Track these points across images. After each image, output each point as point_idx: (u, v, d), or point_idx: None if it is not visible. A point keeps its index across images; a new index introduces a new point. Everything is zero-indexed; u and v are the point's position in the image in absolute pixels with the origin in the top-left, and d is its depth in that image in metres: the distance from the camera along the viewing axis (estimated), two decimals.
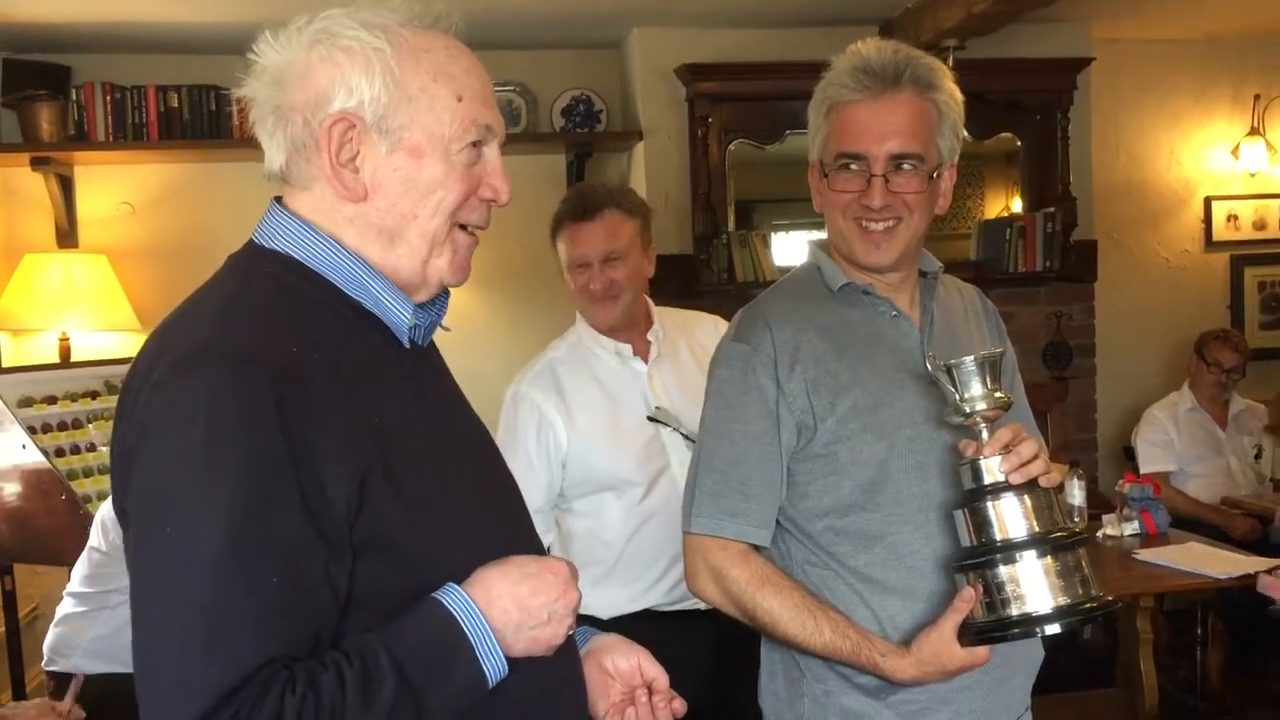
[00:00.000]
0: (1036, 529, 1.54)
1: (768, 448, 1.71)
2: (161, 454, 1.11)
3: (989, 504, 1.55)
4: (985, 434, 1.58)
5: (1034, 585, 1.52)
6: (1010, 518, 1.54)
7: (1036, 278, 4.93)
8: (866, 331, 1.75)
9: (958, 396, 1.57)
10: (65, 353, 4.51)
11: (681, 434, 2.44)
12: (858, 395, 1.70)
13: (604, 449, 2.48)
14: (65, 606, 3.05)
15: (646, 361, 2.55)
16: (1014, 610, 1.53)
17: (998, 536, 1.55)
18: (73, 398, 4.01)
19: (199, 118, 4.62)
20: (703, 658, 2.37)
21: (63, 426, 3.91)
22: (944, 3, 4.31)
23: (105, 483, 3.56)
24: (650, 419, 2.49)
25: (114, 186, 4.79)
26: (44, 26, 4.30)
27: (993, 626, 1.55)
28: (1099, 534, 3.82)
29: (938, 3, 4.36)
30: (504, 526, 1.32)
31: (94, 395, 4.05)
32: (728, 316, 2.09)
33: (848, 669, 1.69)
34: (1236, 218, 5.55)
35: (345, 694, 1.07)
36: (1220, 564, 3.48)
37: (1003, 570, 1.54)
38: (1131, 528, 3.83)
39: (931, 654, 1.60)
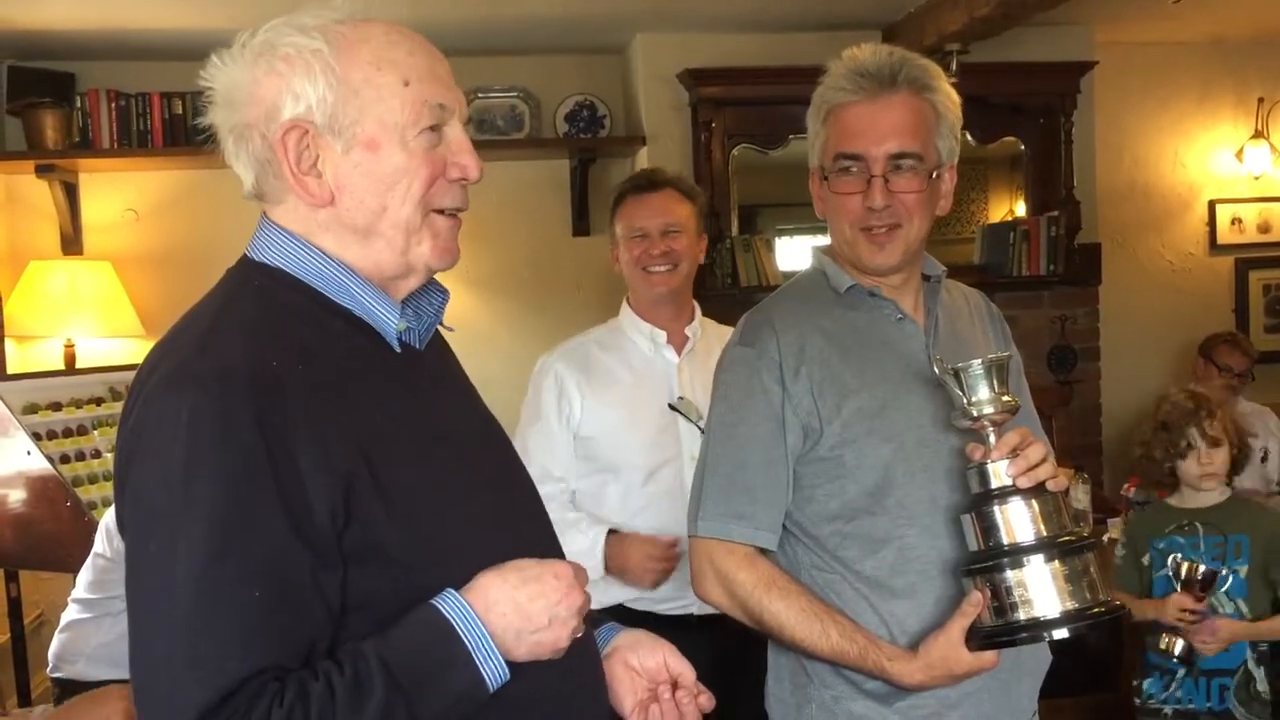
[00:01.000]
0: (1044, 533, 1.54)
1: (773, 451, 1.71)
2: (146, 472, 1.12)
3: (996, 508, 1.55)
4: (993, 438, 1.58)
5: (1042, 590, 1.52)
6: (1018, 522, 1.54)
7: (1040, 281, 4.93)
8: (872, 335, 1.75)
9: (965, 400, 1.57)
10: (70, 359, 4.52)
11: (700, 428, 2.46)
12: (864, 398, 1.70)
13: (616, 429, 2.53)
14: (70, 613, 3.06)
15: (680, 353, 2.60)
16: (1022, 614, 1.53)
17: (1005, 541, 1.54)
18: (78, 404, 4.01)
19: (199, 135, 4.62)
20: (702, 666, 2.37)
21: (68, 433, 3.91)
22: (947, 7, 4.31)
23: (110, 489, 3.56)
24: (671, 407, 2.54)
25: (118, 193, 4.79)
26: (49, 34, 4.31)
27: (1000, 631, 1.55)
28: (1104, 538, 3.81)
29: (940, 7, 4.36)
30: (511, 529, 1.31)
31: (99, 401, 4.05)
32: (731, 321, 2.09)
33: (855, 674, 1.69)
34: (1241, 221, 5.54)
35: (335, 703, 1.07)
36: None
37: (1010, 574, 1.53)
38: None
39: (939, 658, 1.60)
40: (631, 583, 2.47)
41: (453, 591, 1.17)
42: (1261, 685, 2.74)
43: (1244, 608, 2.73)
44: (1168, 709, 2.75)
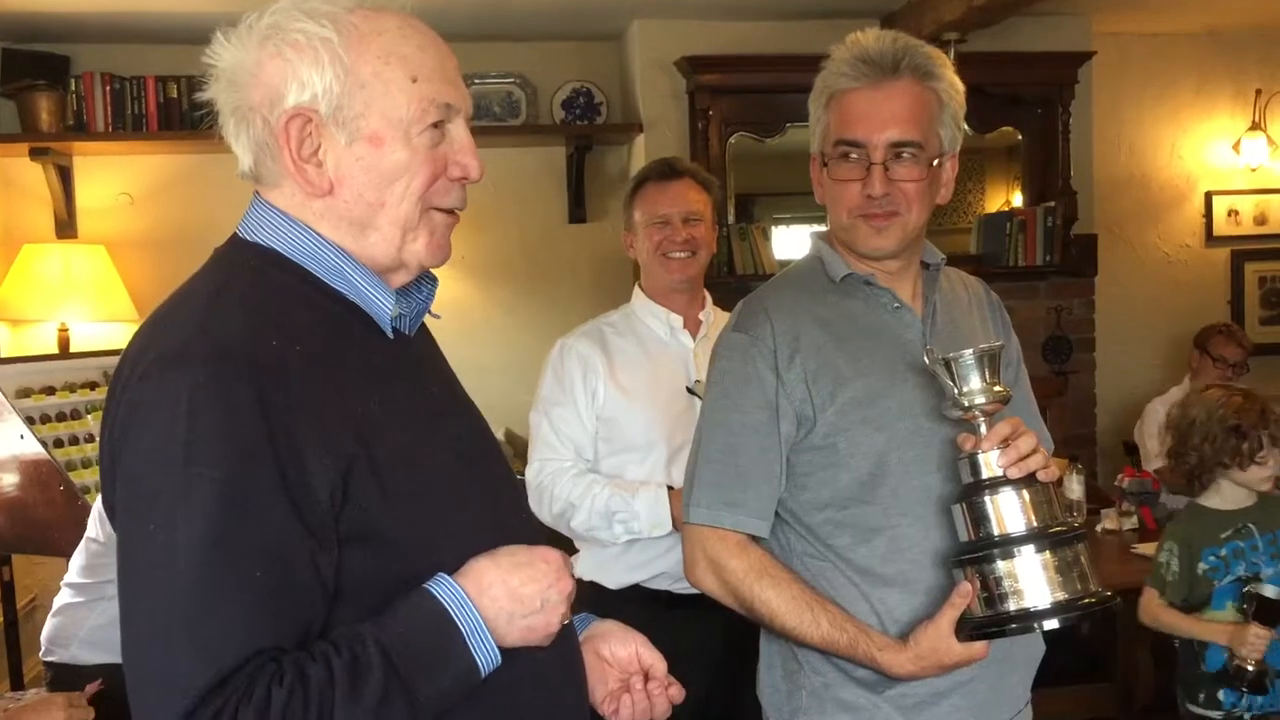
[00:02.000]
0: (1035, 524, 1.53)
1: (766, 438, 1.71)
2: (144, 451, 1.11)
3: (987, 498, 1.55)
4: (984, 428, 1.57)
5: (1032, 580, 1.52)
6: (1008, 512, 1.54)
7: (1037, 272, 4.93)
8: (868, 323, 1.75)
9: (956, 390, 1.57)
10: (64, 343, 4.51)
11: None
12: (858, 387, 1.69)
13: (638, 407, 2.55)
14: (63, 597, 3.05)
15: (695, 338, 2.63)
16: (1012, 605, 1.53)
17: (995, 531, 1.54)
18: (71, 388, 4.00)
19: (197, 113, 4.61)
20: (713, 649, 2.39)
21: (61, 417, 3.91)
22: None
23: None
24: (689, 390, 2.55)
25: (113, 177, 4.78)
26: (43, 16, 4.29)
27: (990, 622, 1.55)
28: (1097, 528, 3.82)
29: None
30: (498, 515, 1.31)
31: (93, 386, 4.05)
32: (727, 309, 2.09)
33: (846, 661, 1.69)
34: (1237, 213, 5.54)
35: (334, 685, 1.07)
36: None
37: (1000, 565, 1.53)
38: (1130, 522, 3.84)
39: (929, 648, 1.60)
40: None
41: (445, 575, 1.17)
42: None
43: None
44: (1247, 716, 2.71)
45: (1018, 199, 5.14)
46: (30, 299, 4.48)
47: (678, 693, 1.40)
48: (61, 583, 3.09)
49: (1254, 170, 5.49)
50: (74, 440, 3.85)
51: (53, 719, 2.03)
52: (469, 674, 1.16)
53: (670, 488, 2.47)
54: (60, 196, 4.64)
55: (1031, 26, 4.75)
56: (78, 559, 3.03)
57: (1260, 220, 5.55)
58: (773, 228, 4.95)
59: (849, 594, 1.69)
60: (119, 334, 4.56)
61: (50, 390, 3.94)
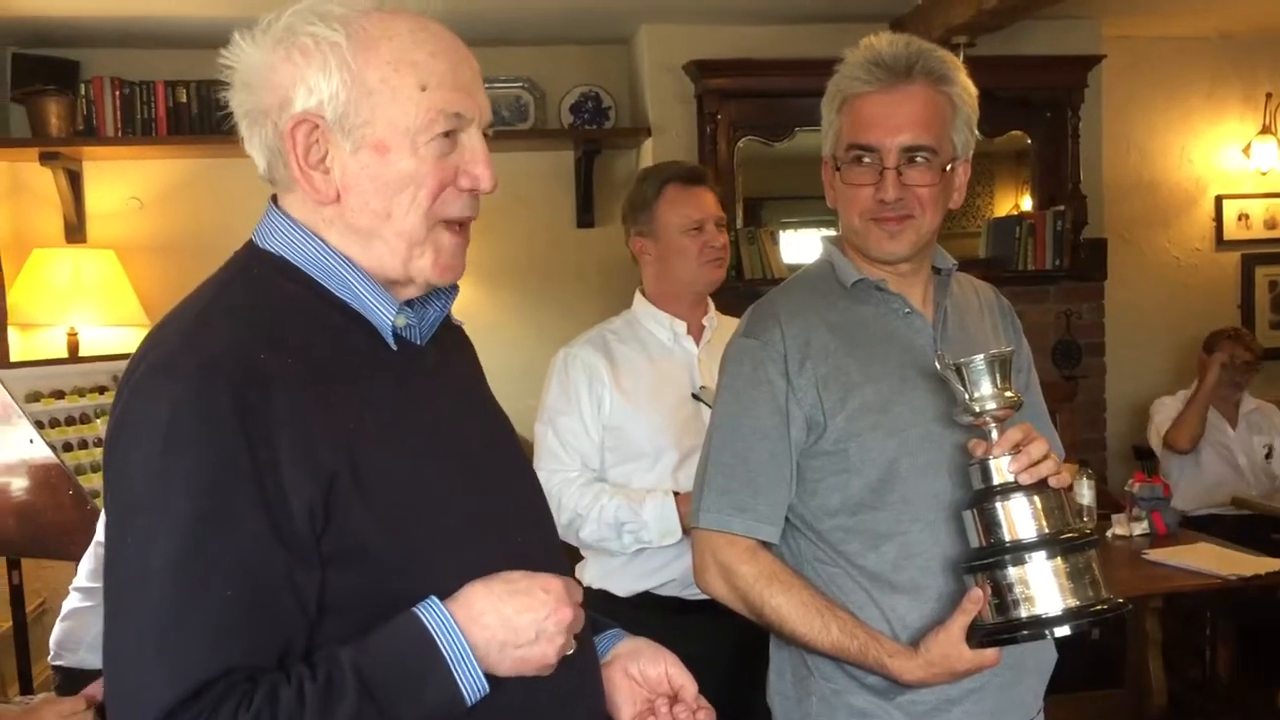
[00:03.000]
0: (1046, 530, 1.53)
1: (777, 444, 1.70)
2: (125, 463, 1.11)
3: (998, 504, 1.54)
4: (995, 433, 1.57)
5: (1044, 587, 1.51)
6: (1020, 518, 1.53)
7: (1046, 276, 4.92)
8: (879, 328, 1.74)
9: (967, 396, 1.56)
10: (73, 348, 4.52)
11: None
12: (868, 392, 1.69)
13: (644, 414, 2.54)
14: (71, 601, 3.05)
15: (698, 343, 2.62)
16: (1023, 612, 1.52)
17: (1007, 537, 1.53)
18: (81, 393, 4.01)
19: (207, 113, 4.62)
20: (723, 655, 2.38)
21: (70, 421, 3.91)
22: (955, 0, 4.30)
23: None
24: (694, 396, 2.54)
25: (122, 181, 4.79)
26: (53, 21, 4.31)
27: (1002, 628, 1.54)
28: (1108, 534, 3.80)
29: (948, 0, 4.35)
30: (505, 537, 1.26)
31: (102, 390, 4.05)
32: (735, 314, 2.08)
33: (857, 668, 1.68)
34: (1248, 217, 5.52)
35: (304, 708, 1.05)
36: (1230, 564, 3.46)
37: (1012, 571, 1.52)
38: (1141, 528, 3.82)
39: (940, 655, 1.59)
40: None
41: (435, 600, 1.14)
42: None
43: None
44: None
45: (1027, 203, 5.12)
46: (40, 303, 4.49)
47: (706, 716, 1.35)
48: (70, 587, 3.09)
49: (1264, 174, 5.47)
50: (83, 444, 3.86)
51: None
52: (452, 703, 1.12)
53: (677, 493, 2.46)
54: (70, 201, 4.65)
55: (1041, 30, 4.73)
56: (86, 563, 3.03)
57: (1271, 224, 5.53)
58: (781, 232, 4.94)
59: (859, 600, 1.68)
60: (128, 338, 4.57)
61: (60, 394, 3.94)
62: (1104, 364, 5.09)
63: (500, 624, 1.14)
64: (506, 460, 1.36)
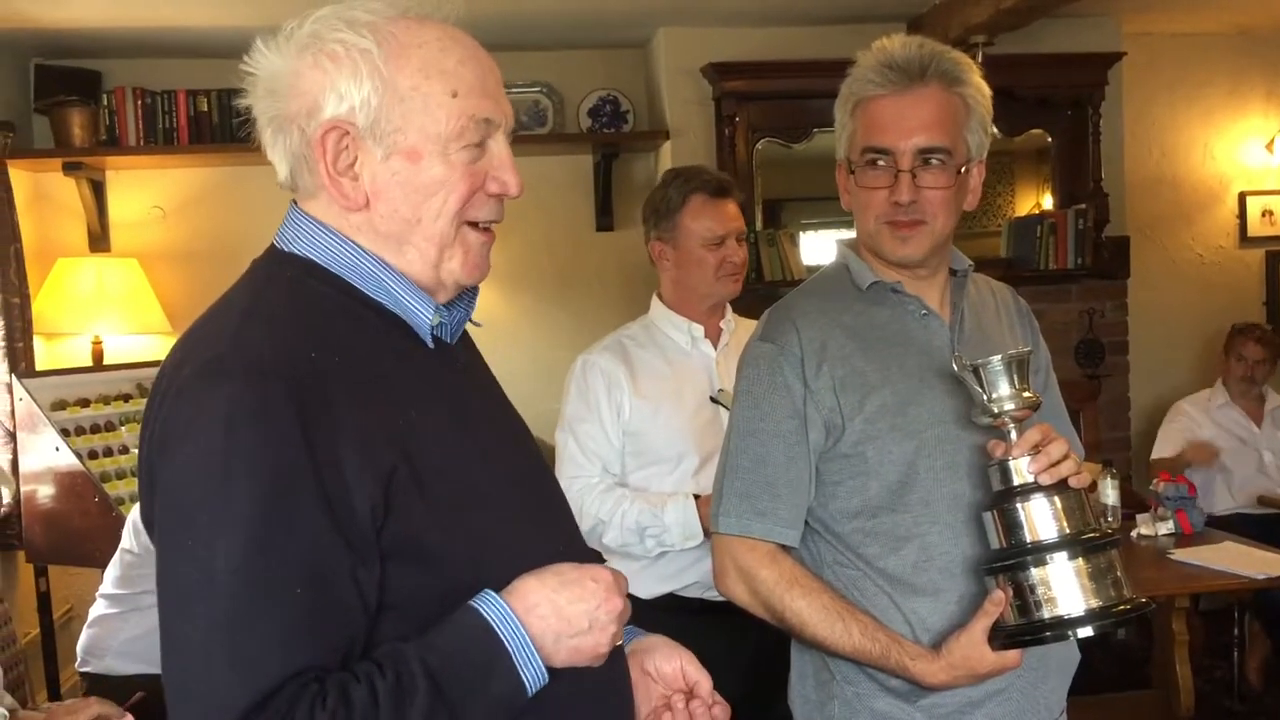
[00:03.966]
0: (1067, 530, 1.52)
1: (795, 447, 1.70)
2: (182, 467, 1.10)
3: (1018, 505, 1.53)
4: (1014, 434, 1.56)
5: (1065, 587, 1.50)
6: (1040, 519, 1.52)
7: (1068, 275, 4.89)
8: (895, 330, 1.74)
9: (985, 397, 1.56)
10: (98, 356, 4.56)
11: None
12: (886, 394, 1.68)
13: (664, 419, 2.54)
14: (98, 608, 3.08)
15: (716, 347, 2.63)
16: (1045, 613, 1.51)
17: (1028, 538, 1.53)
18: (105, 400, 4.04)
19: (228, 121, 4.66)
20: (747, 655, 2.38)
21: (95, 429, 3.95)
22: None
23: (137, 485, 3.59)
24: (713, 400, 2.55)
25: (145, 190, 4.83)
26: (75, 32, 4.34)
27: (1024, 630, 1.53)
28: (1133, 533, 3.78)
29: None
30: (544, 527, 1.29)
31: (126, 398, 4.09)
32: (754, 316, 2.08)
33: (879, 671, 1.68)
34: (1271, 213, 5.48)
35: (378, 707, 1.05)
36: (1256, 564, 3.43)
37: (1033, 572, 1.52)
38: (1166, 527, 3.79)
39: (961, 658, 1.58)
40: None
41: (492, 593, 1.15)
42: None
43: None
44: None
45: (1048, 202, 5.10)
46: (64, 312, 4.53)
47: (722, 712, 1.36)
48: (97, 594, 3.12)
49: None
50: (108, 452, 3.89)
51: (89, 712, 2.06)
52: (516, 694, 1.13)
53: (697, 496, 2.46)
54: (93, 210, 4.69)
55: (1060, 28, 4.71)
56: (113, 570, 3.06)
57: None
58: (800, 233, 4.94)
59: (880, 603, 1.68)
60: (152, 346, 4.60)
61: (85, 402, 3.98)
62: (1127, 363, 5.06)
63: (554, 614, 1.16)
64: (533, 456, 1.38)
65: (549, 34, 4.72)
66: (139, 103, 4.66)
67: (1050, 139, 4.99)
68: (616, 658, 1.29)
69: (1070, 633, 1.52)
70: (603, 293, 5.05)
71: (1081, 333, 4.97)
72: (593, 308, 4.98)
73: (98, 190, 4.72)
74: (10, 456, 4.04)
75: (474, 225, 1.24)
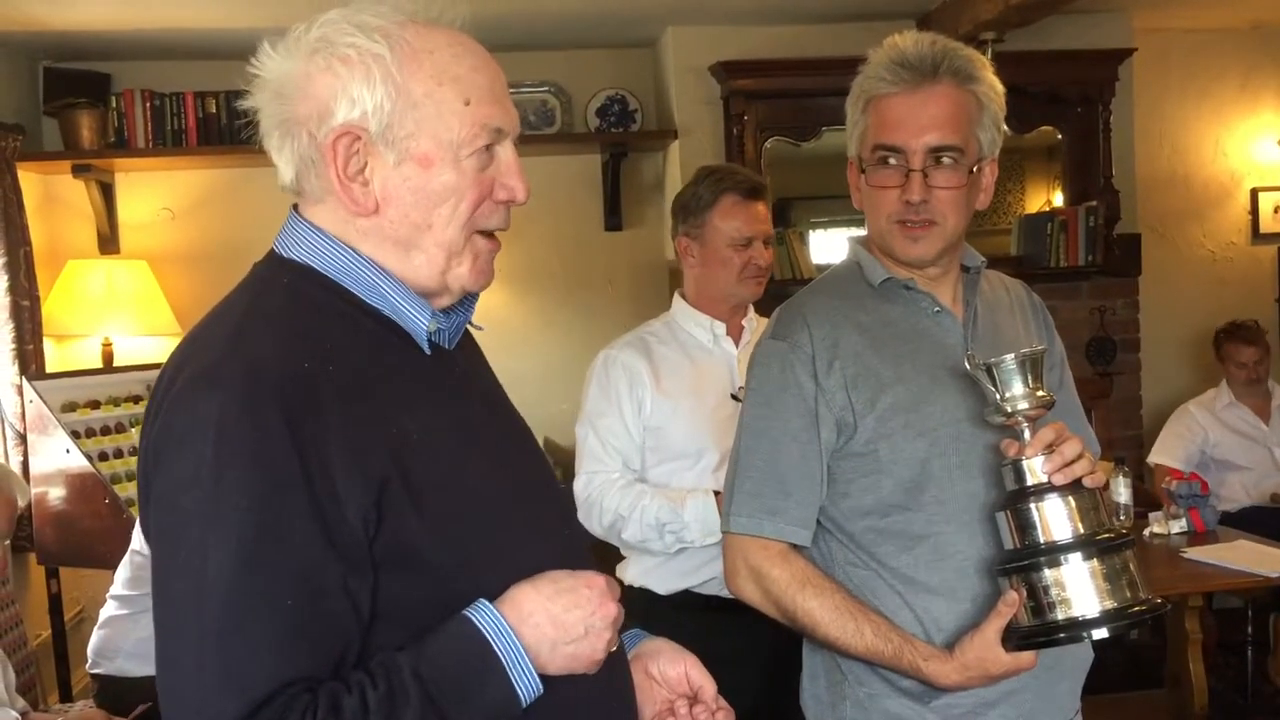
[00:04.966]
0: (1082, 530, 1.50)
1: (807, 446, 1.69)
2: (174, 476, 1.10)
3: (1032, 505, 1.52)
4: (1027, 433, 1.55)
5: (1080, 588, 1.49)
6: (1054, 519, 1.51)
7: (1079, 272, 4.87)
8: (907, 328, 1.72)
9: (998, 396, 1.54)
10: (108, 357, 4.57)
11: None
12: (898, 392, 1.67)
13: (684, 415, 2.55)
14: (108, 609, 3.09)
15: (738, 344, 2.64)
16: (1060, 614, 1.50)
17: (1041, 539, 1.51)
18: (115, 402, 4.05)
19: (236, 123, 4.66)
20: (763, 652, 2.38)
21: (105, 430, 3.96)
22: None
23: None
24: (734, 397, 2.55)
25: (154, 192, 4.84)
26: (83, 35, 4.35)
27: (1038, 631, 1.52)
28: (1146, 532, 3.76)
29: None
30: (543, 533, 1.28)
31: (136, 399, 4.09)
32: (765, 314, 2.07)
33: (891, 672, 1.67)
34: None
35: (369, 716, 1.05)
36: (1270, 562, 3.41)
37: (1047, 573, 1.50)
38: (1179, 526, 3.77)
39: (975, 659, 1.57)
40: None
41: (485, 602, 1.15)
42: None
43: None
44: None
45: (1058, 199, 5.08)
46: (74, 314, 4.54)
47: (726, 717, 1.35)
48: (107, 595, 3.12)
49: None
50: (118, 453, 3.90)
51: None
52: (509, 704, 1.13)
53: (717, 493, 2.46)
54: (102, 212, 4.70)
55: (1070, 24, 4.69)
56: (123, 571, 3.07)
57: None
58: (810, 232, 4.92)
59: (893, 603, 1.67)
60: (162, 347, 4.61)
61: (95, 404, 3.99)
62: (1139, 360, 5.04)
63: (549, 622, 1.16)
64: (534, 460, 1.37)
65: (556, 33, 4.71)
66: (147, 105, 4.67)
67: (1060, 136, 4.97)
68: (618, 662, 1.29)
69: (1085, 634, 1.51)
70: (611, 293, 5.05)
71: (1092, 330, 4.95)
72: (601, 308, 4.98)
73: (107, 192, 4.73)
74: (21, 458, 4.05)
75: (482, 234, 1.24)
